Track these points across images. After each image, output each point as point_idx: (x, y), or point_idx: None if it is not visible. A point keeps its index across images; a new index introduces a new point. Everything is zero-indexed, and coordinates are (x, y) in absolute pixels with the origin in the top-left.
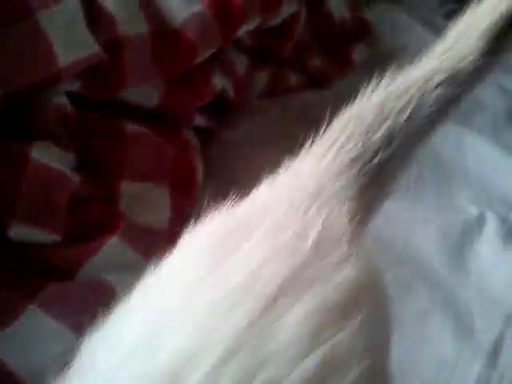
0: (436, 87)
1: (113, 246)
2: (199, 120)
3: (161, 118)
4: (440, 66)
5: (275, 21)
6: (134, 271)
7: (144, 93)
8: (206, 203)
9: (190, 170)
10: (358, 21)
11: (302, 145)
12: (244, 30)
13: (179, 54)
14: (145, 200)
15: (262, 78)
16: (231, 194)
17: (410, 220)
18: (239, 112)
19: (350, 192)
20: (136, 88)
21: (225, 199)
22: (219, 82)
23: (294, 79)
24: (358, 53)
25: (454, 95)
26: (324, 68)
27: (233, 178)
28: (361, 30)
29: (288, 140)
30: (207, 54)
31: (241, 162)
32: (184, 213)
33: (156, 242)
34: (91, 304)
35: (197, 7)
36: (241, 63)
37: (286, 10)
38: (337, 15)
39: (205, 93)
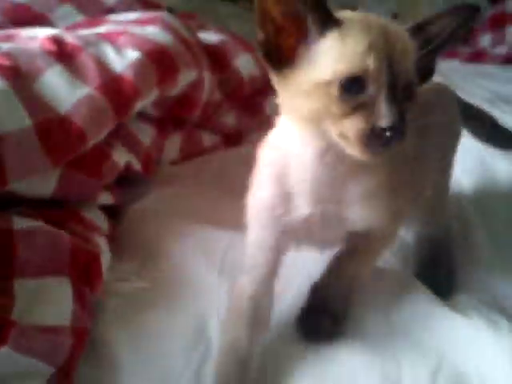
0: None
1: (4, 356)
2: (106, 198)
3: (57, 204)
4: None
5: (175, 90)
6: (33, 376)
7: (37, 182)
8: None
9: (91, 255)
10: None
11: (216, 209)
12: (141, 105)
13: (68, 141)
14: (43, 296)
15: (174, 143)
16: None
17: None
18: (151, 182)
19: None
20: (27, 179)
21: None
22: (122, 157)
23: (208, 140)
24: (272, 106)
25: None
26: (238, 125)
27: (146, 252)
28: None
29: (202, 203)
30: (102, 135)
31: (152, 234)
32: (88, 302)
33: (58, 340)
34: None
35: (84, 91)
36: (147, 134)
37: (184, 79)
38: (246, 73)
39: (105, 172)
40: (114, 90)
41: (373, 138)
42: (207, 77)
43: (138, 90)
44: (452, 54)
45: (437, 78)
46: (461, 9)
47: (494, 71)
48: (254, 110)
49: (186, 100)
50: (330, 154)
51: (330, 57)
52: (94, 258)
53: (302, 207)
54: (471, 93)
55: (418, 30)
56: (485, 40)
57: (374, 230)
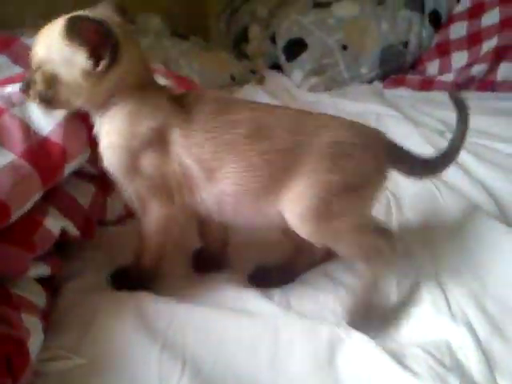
0: None
1: None
2: (42, 269)
3: None
4: None
5: None
6: None
7: None
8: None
9: (15, 345)
10: None
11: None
12: (72, 166)
13: None
14: None
15: (117, 199)
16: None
17: None
18: (93, 246)
19: None
20: None
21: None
22: (57, 224)
23: None
24: None
25: None
26: None
27: (83, 326)
28: None
29: None
30: (29, 205)
31: (90, 307)
32: None
33: None
34: None
35: (7, 159)
36: (86, 193)
37: None
38: None
39: (36, 242)
40: (41, 154)
41: None
42: None
43: (68, 152)
44: (400, 82)
45: (386, 110)
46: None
47: (443, 98)
48: None
49: None
50: None
51: None
52: (19, 347)
53: None
54: (421, 124)
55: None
56: (432, 67)
57: None
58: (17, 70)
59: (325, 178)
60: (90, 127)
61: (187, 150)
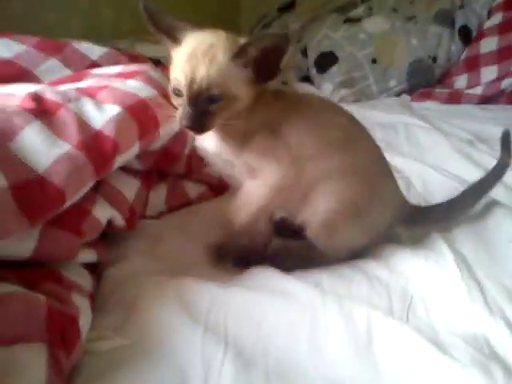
0: None
1: None
2: (89, 256)
3: (35, 265)
4: None
5: (158, 144)
6: None
7: (15, 244)
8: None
9: (68, 319)
10: None
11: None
12: (122, 160)
13: (46, 200)
14: (14, 366)
15: (159, 196)
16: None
17: None
18: (136, 236)
19: None
20: (4, 241)
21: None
22: (104, 213)
23: (193, 191)
24: None
25: None
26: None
27: (128, 309)
28: None
29: (187, 257)
30: (82, 193)
31: (134, 291)
32: (64, 367)
33: None
34: None
35: (63, 148)
36: (131, 187)
37: (166, 133)
38: None
39: (85, 229)
40: (94, 146)
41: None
42: None
43: (119, 145)
44: (428, 95)
45: (414, 120)
46: (273, 35)
47: (470, 111)
48: None
49: (168, 153)
50: None
51: (172, 69)
52: (71, 322)
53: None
54: (450, 134)
55: (242, 50)
56: (460, 81)
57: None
58: (68, 72)
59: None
60: (144, 124)
61: (290, 137)
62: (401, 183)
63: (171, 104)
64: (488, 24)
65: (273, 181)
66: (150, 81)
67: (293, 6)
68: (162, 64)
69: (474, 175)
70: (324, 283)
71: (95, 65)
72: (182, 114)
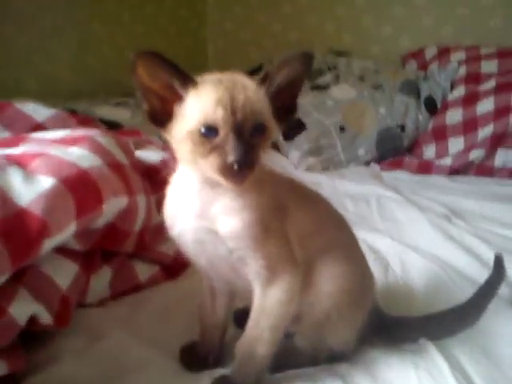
0: None
1: None
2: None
3: None
4: None
5: (101, 221)
6: None
7: None
8: None
9: None
10: None
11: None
12: (53, 243)
13: None
14: None
15: (102, 279)
16: None
17: None
18: (67, 334)
19: None
20: None
21: None
22: (25, 310)
23: (144, 273)
24: None
25: None
26: (181, 254)
27: None
28: None
29: (132, 363)
30: None
31: None
32: None
33: None
34: None
35: None
36: (67, 272)
37: (112, 208)
38: None
39: None
40: (15, 227)
41: (228, 171)
42: (142, 202)
43: (48, 226)
44: (398, 164)
45: (386, 192)
46: (296, 57)
47: (442, 183)
48: None
49: (115, 231)
50: (204, 183)
51: (191, 111)
52: None
53: (181, 222)
54: (425, 208)
55: (266, 79)
56: (429, 151)
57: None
58: (6, 135)
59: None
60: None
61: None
62: (378, 264)
63: (121, 175)
64: (452, 96)
65: (294, 285)
66: (96, 148)
67: (260, 70)
68: (121, 127)
69: (454, 256)
70: None
71: (41, 127)
72: (230, 149)
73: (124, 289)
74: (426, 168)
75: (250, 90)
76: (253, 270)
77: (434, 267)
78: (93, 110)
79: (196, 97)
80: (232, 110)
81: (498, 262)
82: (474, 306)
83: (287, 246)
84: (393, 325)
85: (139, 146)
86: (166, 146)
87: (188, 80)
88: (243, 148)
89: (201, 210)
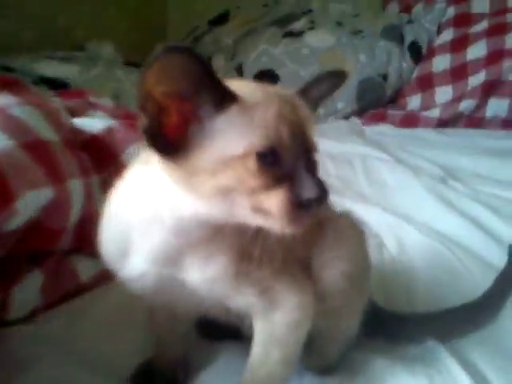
0: None
1: None
2: None
3: None
4: None
5: (16, 221)
6: None
7: None
8: None
9: None
10: None
11: None
12: None
13: None
14: None
15: (29, 287)
16: None
17: None
18: None
19: None
20: None
21: None
22: None
23: (87, 271)
24: None
25: None
26: None
27: None
28: None
29: None
30: None
31: None
32: None
33: None
34: None
35: None
36: None
37: (30, 203)
38: None
39: None
40: None
41: (299, 210)
42: (76, 188)
43: None
44: (381, 118)
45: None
46: (333, 74)
47: (429, 137)
48: None
49: (40, 229)
50: (191, 225)
51: (236, 131)
52: None
53: (137, 265)
54: (416, 168)
55: (302, 94)
56: (414, 102)
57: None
58: None
59: None
60: None
61: None
62: (370, 243)
63: (44, 159)
64: (439, 41)
65: (303, 301)
66: (6, 124)
67: (226, 18)
68: (67, 86)
69: (455, 227)
70: None
71: None
72: (306, 181)
73: (61, 294)
74: (411, 120)
75: (303, 106)
76: (243, 302)
77: (435, 243)
78: (33, 66)
79: (241, 112)
80: (298, 127)
81: None
82: (491, 300)
83: (279, 262)
84: (393, 322)
85: (81, 111)
86: (117, 111)
87: (225, 93)
88: (320, 180)
89: (165, 252)
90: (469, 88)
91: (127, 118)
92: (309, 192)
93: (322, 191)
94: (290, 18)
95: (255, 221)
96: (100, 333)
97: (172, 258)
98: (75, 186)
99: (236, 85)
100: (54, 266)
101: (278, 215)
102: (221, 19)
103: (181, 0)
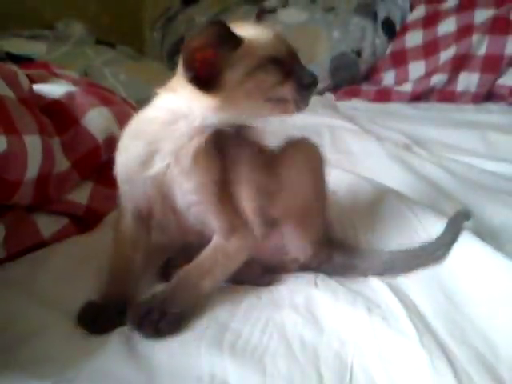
0: None
1: None
2: None
3: None
4: None
5: None
6: None
7: None
8: None
9: None
10: None
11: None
12: None
13: None
14: None
15: None
16: None
17: None
18: None
19: None
20: None
21: None
22: None
23: (48, 228)
24: None
25: None
26: (92, 203)
27: None
28: None
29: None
30: None
31: None
32: None
33: None
34: None
35: None
36: None
37: None
38: (99, 133)
39: None
40: None
41: (304, 92)
42: (34, 144)
43: None
44: (354, 93)
45: (341, 123)
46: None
47: (402, 110)
48: (112, 181)
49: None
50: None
51: (250, 55)
52: None
53: (161, 163)
54: (383, 137)
55: None
56: (388, 77)
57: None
58: None
59: None
60: None
61: None
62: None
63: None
64: (411, 17)
65: (249, 241)
66: None
67: None
68: (33, 62)
69: (414, 188)
70: None
71: None
72: (304, 72)
73: (23, 247)
74: (384, 95)
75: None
76: (214, 222)
77: (392, 200)
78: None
79: (250, 44)
80: (289, 45)
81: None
82: (438, 241)
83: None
84: (342, 251)
85: (43, 79)
86: (81, 81)
87: (238, 40)
88: (311, 71)
89: (177, 151)
90: (440, 62)
91: (89, 86)
92: (307, 78)
93: (315, 77)
94: None
95: (271, 111)
96: (59, 279)
97: (179, 156)
98: (33, 142)
99: (241, 28)
100: (15, 221)
101: (291, 98)
102: None
103: None
